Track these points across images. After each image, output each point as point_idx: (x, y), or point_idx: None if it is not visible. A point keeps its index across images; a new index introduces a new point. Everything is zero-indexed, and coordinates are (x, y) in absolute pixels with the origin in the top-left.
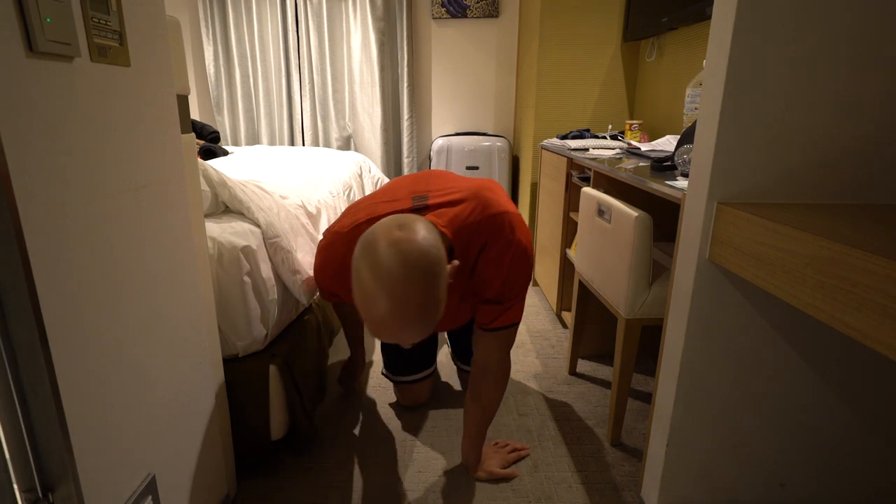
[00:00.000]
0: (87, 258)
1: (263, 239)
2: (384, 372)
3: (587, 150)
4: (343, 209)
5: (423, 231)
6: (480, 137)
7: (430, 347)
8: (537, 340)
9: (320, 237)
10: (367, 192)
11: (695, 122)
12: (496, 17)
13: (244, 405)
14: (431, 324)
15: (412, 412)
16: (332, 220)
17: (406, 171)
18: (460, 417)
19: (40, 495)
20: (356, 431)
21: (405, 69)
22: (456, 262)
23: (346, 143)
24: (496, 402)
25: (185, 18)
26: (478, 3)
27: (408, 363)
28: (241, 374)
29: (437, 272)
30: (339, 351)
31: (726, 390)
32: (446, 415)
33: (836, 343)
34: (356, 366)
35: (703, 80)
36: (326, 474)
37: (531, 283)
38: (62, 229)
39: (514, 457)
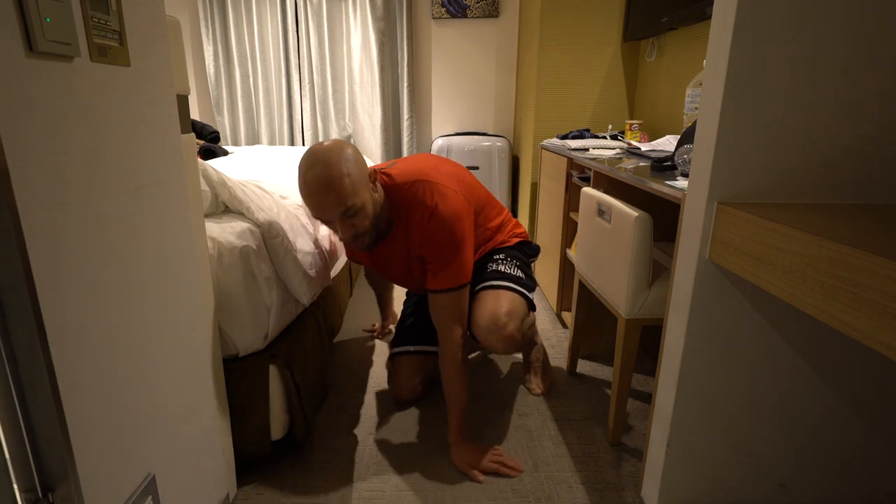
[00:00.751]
0: (87, 258)
1: (263, 239)
2: (390, 350)
3: (587, 150)
4: None
5: (347, 144)
6: (480, 137)
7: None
8: None
9: (320, 237)
10: None
11: (695, 122)
12: (496, 17)
13: (244, 405)
14: (350, 194)
15: (412, 412)
16: None
17: None
18: None
19: (40, 495)
20: (356, 432)
21: (405, 69)
22: (375, 165)
23: None
24: (453, 377)
25: (185, 18)
26: (478, 3)
27: (412, 327)
28: (241, 374)
29: (351, 155)
30: (340, 350)
31: (726, 390)
32: (446, 415)
33: (836, 343)
34: (386, 318)
35: (703, 80)
36: (326, 474)
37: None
38: (62, 229)
39: (492, 466)
